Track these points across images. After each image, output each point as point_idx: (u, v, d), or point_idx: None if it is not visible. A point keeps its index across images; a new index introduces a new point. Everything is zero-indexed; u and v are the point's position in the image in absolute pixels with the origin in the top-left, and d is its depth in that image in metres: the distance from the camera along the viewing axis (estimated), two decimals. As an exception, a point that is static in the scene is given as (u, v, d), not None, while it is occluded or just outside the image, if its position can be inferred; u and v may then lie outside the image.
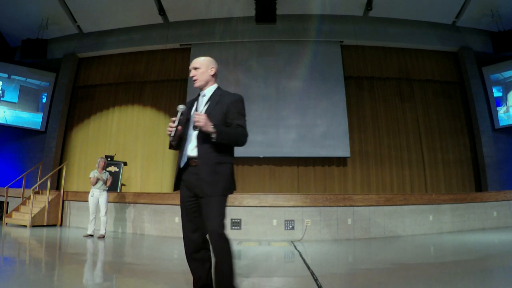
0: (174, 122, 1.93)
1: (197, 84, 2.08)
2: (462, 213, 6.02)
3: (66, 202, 6.92)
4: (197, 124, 1.83)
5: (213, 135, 1.83)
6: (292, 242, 5.06)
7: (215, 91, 2.08)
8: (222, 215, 1.90)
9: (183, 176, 2.00)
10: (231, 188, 1.97)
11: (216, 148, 1.91)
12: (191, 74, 2.09)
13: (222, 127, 1.89)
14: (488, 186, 7.42)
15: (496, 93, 8.00)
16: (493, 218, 6.20)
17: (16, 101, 8.48)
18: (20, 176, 7.35)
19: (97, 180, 5.46)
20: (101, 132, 8.61)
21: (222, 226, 1.87)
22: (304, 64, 7.93)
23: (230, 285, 1.84)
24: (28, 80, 8.64)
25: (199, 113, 1.88)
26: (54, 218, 6.69)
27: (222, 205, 1.91)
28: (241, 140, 1.96)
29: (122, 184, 7.58)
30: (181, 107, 1.98)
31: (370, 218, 5.49)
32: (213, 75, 2.09)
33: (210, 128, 1.82)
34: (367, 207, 5.52)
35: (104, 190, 5.48)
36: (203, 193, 1.89)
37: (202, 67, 2.07)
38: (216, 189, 1.89)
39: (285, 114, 7.69)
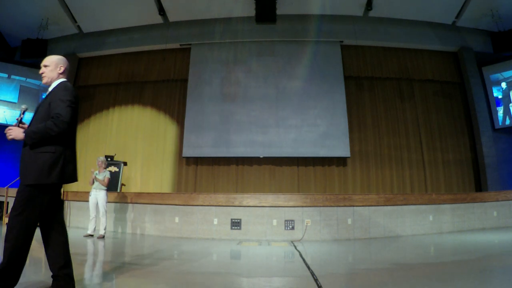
0: (18, 121, 2.08)
1: (44, 80, 2.21)
2: (462, 213, 6.01)
3: (66, 202, 6.92)
4: (9, 138, 1.97)
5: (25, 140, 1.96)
6: (292, 242, 5.06)
7: (55, 86, 2.15)
8: (18, 208, 1.91)
9: None
10: (48, 177, 1.96)
11: None
12: (40, 71, 2.22)
13: (30, 130, 1.97)
14: (488, 186, 7.42)
15: (496, 93, 8.01)
16: (493, 218, 6.20)
17: (16, 101, 8.48)
18: (20, 176, 7.34)
19: (93, 179, 5.50)
20: (101, 132, 8.61)
21: (12, 220, 1.91)
22: (304, 64, 7.94)
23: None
24: (28, 80, 8.64)
25: (8, 128, 1.99)
26: (54, 218, 6.68)
27: (24, 195, 1.94)
28: (49, 133, 1.95)
29: (122, 184, 7.57)
30: (23, 107, 2.22)
31: (370, 218, 5.48)
32: (61, 73, 2.21)
33: (20, 136, 1.95)
34: (367, 207, 5.52)
35: (100, 189, 5.47)
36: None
37: (51, 65, 2.20)
38: (25, 177, 1.97)
39: (285, 114, 7.69)
